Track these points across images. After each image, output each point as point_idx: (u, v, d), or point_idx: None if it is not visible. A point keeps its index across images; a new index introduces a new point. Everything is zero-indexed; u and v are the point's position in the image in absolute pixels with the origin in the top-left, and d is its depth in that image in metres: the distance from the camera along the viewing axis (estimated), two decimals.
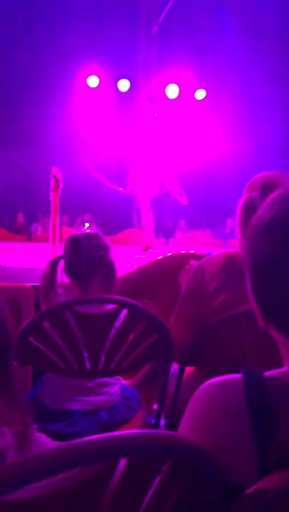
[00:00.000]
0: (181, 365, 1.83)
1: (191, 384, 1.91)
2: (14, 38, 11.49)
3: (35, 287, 2.45)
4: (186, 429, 0.78)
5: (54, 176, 3.45)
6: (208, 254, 1.94)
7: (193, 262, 2.11)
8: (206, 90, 11.80)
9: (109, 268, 1.91)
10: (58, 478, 0.59)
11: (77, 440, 0.58)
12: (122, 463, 0.63)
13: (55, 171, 3.46)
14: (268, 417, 0.70)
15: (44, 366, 1.82)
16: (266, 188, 1.82)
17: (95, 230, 1.97)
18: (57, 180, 3.42)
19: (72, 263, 1.89)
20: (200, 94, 11.79)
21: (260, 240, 0.74)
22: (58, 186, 3.44)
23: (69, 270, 1.90)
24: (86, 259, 1.86)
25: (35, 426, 0.82)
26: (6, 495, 0.54)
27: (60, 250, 3.25)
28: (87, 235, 1.91)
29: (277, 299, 0.73)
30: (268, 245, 0.72)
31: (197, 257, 2.33)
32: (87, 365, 1.75)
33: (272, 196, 0.76)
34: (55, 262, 1.93)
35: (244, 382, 0.73)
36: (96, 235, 1.92)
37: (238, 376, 0.75)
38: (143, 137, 6.38)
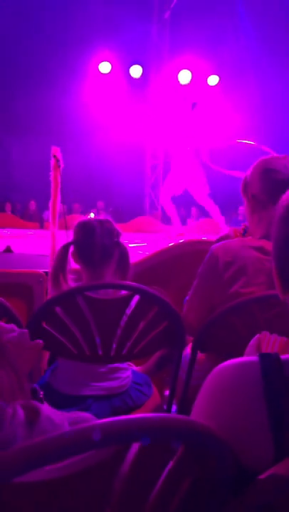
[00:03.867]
0: (193, 351, 1.83)
1: (202, 370, 1.91)
2: (26, 25, 11.43)
3: (47, 273, 2.45)
4: (200, 411, 0.78)
5: (54, 156, 3.43)
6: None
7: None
8: (219, 76, 11.68)
9: (123, 254, 1.90)
10: (72, 461, 0.59)
11: (91, 423, 0.58)
12: (135, 447, 0.63)
13: (55, 150, 3.46)
14: (285, 401, 0.69)
15: (57, 351, 1.83)
16: (265, 170, 1.80)
17: (104, 216, 1.96)
18: (57, 160, 3.40)
19: (84, 249, 1.88)
20: (213, 79, 11.68)
21: (282, 219, 0.83)
22: (59, 166, 3.43)
23: (80, 256, 1.89)
24: (100, 244, 1.85)
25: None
26: (20, 477, 0.54)
27: (59, 232, 3.23)
28: (99, 221, 1.90)
29: None
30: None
31: (210, 244, 2.32)
32: (100, 350, 1.75)
33: None
34: (65, 248, 1.91)
35: (261, 365, 0.73)
36: (107, 221, 1.91)
37: (254, 359, 0.75)
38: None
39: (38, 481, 0.58)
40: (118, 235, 1.91)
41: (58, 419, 0.84)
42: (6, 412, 0.72)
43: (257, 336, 0.91)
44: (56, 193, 3.40)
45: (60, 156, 3.45)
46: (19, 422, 0.72)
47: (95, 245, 1.85)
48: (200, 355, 1.94)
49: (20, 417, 0.73)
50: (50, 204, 3.59)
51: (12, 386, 0.77)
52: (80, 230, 1.90)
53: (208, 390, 0.78)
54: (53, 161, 3.46)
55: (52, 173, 3.47)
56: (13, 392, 0.76)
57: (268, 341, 0.93)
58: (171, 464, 0.67)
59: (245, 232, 2.00)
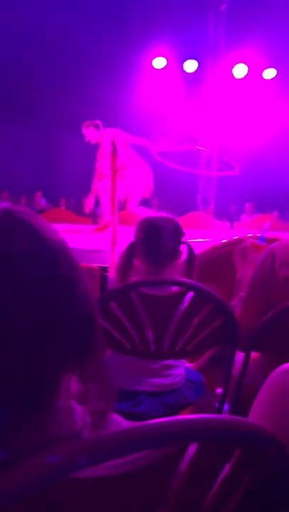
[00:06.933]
0: (247, 350, 1.80)
1: (256, 369, 1.88)
2: (80, 21, 11.53)
3: (101, 268, 2.47)
4: (259, 413, 0.76)
5: (112, 142, 3.37)
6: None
7: (248, 242, 2.06)
8: (276, 69, 11.44)
9: (191, 254, 1.88)
10: (129, 459, 0.59)
11: (148, 421, 0.57)
12: (192, 448, 0.62)
13: (113, 135, 3.39)
14: None
15: (110, 345, 1.84)
16: None
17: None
18: (115, 148, 3.31)
19: (149, 248, 1.85)
20: (269, 73, 11.45)
21: None
22: (116, 155, 3.32)
23: (144, 254, 1.86)
24: (166, 245, 1.82)
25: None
26: (82, 471, 0.54)
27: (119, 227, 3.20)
28: (165, 219, 1.86)
29: None
30: None
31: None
32: (152, 346, 1.75)
33: None
34: (132, 246, 1.89)
35: None
36: (173, 220, 1.88)
37: None
38: None
39: (98, 476, 0.58)
40: (183, 234, 1.88)
41: (126, 425, 0.82)
42: (76, 412, 0.72)
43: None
44: (114, 182, 3.27)
45: (118, 142, 3.35)
46: (86, 424, 0.71)
47: (161, 245, 1.82)
48: (253, 353, 1.91)
49: (87, 420, 0.72)
50: (109, 193, 3.46)
51: (99, 391, 0.75)
52: (146, 228, 1.87)
53: (268, 392, 0.76)
54: (110, 147, 3.36)
55: (110, 161, 3.33)
56: (99, 398, 0.74)
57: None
58: (227, 466, 0.66)
59: None
